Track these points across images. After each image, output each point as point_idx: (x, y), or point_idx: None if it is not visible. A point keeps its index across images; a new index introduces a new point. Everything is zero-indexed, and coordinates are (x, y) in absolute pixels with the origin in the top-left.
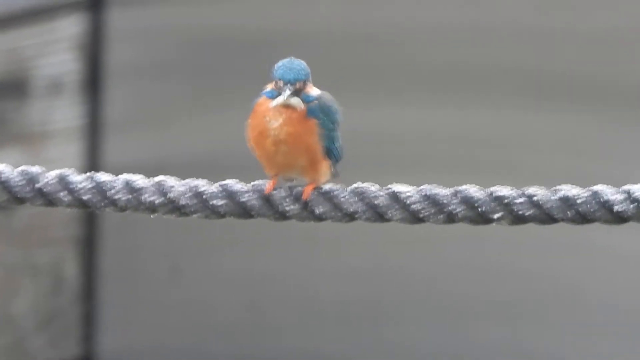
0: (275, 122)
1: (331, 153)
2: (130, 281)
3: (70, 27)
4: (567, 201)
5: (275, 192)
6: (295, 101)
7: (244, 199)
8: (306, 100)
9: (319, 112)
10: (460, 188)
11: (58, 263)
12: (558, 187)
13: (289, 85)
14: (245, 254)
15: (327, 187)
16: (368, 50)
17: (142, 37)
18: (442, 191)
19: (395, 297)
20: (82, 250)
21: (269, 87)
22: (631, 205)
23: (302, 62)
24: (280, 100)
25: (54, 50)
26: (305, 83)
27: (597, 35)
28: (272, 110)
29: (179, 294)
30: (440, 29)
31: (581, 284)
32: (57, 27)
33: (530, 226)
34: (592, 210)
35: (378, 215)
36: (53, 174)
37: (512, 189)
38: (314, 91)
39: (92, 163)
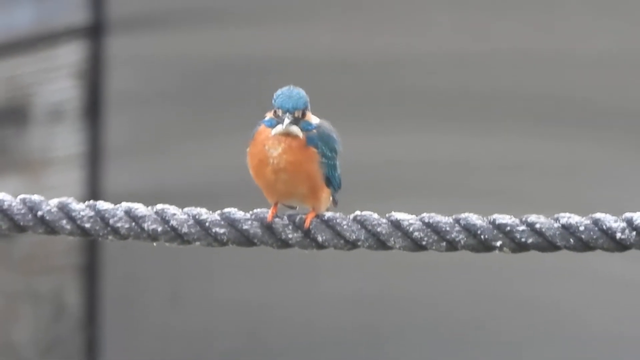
0: (275, 151)
1: (330, 182)
2: (132, 309)
3: (70, 55)
4: (568, 229)
5: (276, 220)
6: (295, 130)
7: (245, 227)
8: (305, 128)
9: (318, 141)
10: (461, 216)
11: (59, 291)
12: (559, 214)
13: (287, 114)
14: (246, 282)
15: (328, 215)
16: (368, 77)
17: (142, 64)
18: (443, 219)
19: (395, 324)
20: (84, 278)
21: (269, 115)
22: (633, 233)
23: (301, 90)
24: (279, 129)
25: (54, 77)
26: (304, 112)
27: (596, 61)
28: (271, 138)
29: (180, 321)
30: (439, 56)
31: (583, 311)
32: (57, 54)
33: (532, 253)
34: (594, 237)
35: (380, 242)
36: (54, 202)
37: (513, 217)
38: (313, 119)
39: (92, 190)
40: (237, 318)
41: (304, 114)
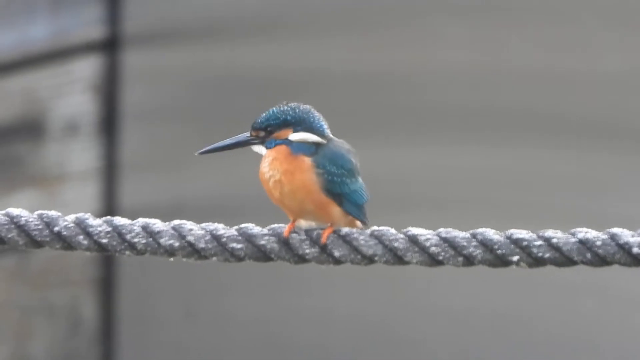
0: (265, 166)
1: (345, 198)
2: (147, 323)
3: (86, 69)
4: (585, 244)
5: (293, 235)
6: (256, 148)
7: (262, 242)
8: (268, 145)
9: (312, 153)
10: (478, 231)
11: (75, 305)
12: (576, 229)
13: (246, 133)
14: (260, 297)
15: (345, 230)
16: (383, 92)
17: (158, 78)
18: (460, 234)
19: (410, 341)
20: (100, 292)
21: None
22: None
23: (277, 109)
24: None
25: (70, 91)
26: (268, 130)
27: (612, 76)
28: (264, 156)
29: (195, 336)
30: (454, 71)
31: (596, 327)
32: (73, 68)
33: (546, 269)
34: (611, 252)
35: (397, 258)
36: (71, 217)
37: (529, 232)
38: (291, 136)
39: (108, 205)
40: (252, 334)
41: (269, 133)
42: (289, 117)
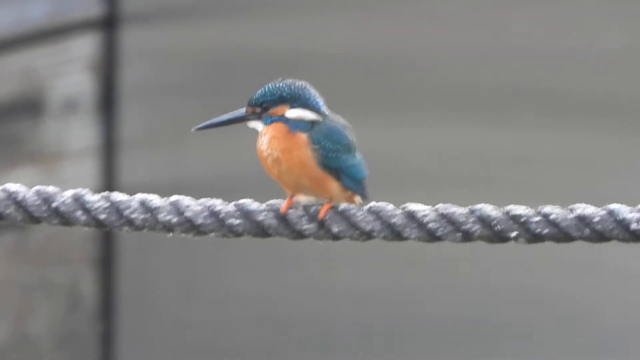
0: (262, 144)
1: (343, 173)
2: (147, 301)
3: (84, 47)
4: (584, 219)
5: (291, 211)
6: (253, 124)
7: (260, 218)
8: (264, 121)
9: (308, 129)
10: (476, 207)
11: (75, 283)
12: (574, 205)
13: (242, 109)
14: (260, 274)
15: (343, 206)
16: (382, 70)
17: (156, 56)
18: (458, 210)
19: (410, 317)
20: (99, 270)
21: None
22: None
23: (273, 85)
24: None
25: (68, 70)
26: (263, 106)
27: (612, 55)
28: (261, 133)
29: (195, 313)
30: (454, 50)
31: (597, 303)
32: (71, 47)
33: (546, 246)
34: (609, 228)
35: (395, 233)
36: (68, 193)
37: (528, 208)
38: (288, 113)
39: (107, 182)
40: (252, 311)
41: (265, 109)
42: (284, 94)
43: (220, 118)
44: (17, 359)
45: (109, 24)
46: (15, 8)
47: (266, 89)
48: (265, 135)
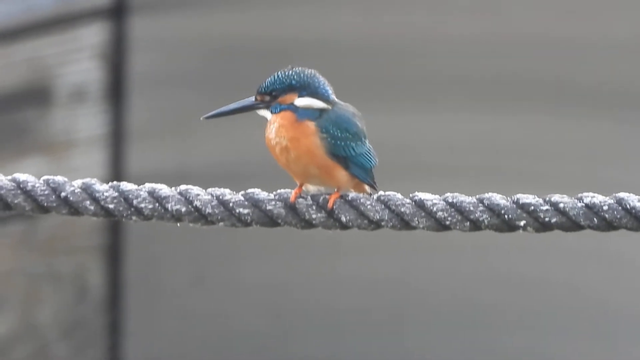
0: (271, 132)
1: (351, 161)
2: (155, 290)
3: (92, 36)
4: (592, 208)
5: (300, 200)
6: (262, 113)
7: (269, 207)
8: (273, 110)
9: (316, 117)
10: (485, 195)
11: (82, 272)
12: (582, 194)
13: (252, 98)
14: (268, 263)
15: (352, 195)
16: (389, 59)
17: (165, 45)
18: (467, 199)
19: (418, 306)
20: (107, 259)
21: None
22: None
23: (282, 73)
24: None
25: (76, 58)
26: (273, 94)
27: (619, 43)
28: (269, 121)
29: (203, 302)
30: (461, 38)
31: (605, 292)
32: (79, 35)
33: (554, 235)
34: (617, 217)
35: (404, 222)
36: (77, 183)
37: (536, 197)
38: (297, 101)
39: (115, 171)
40: (261, 300)
41: (274, 97)
42: (293, 82)
43: (229, 106)
44: (24, 349)
45: (117, 12)
46: None
47: (275, 77)
48: (273, 124)
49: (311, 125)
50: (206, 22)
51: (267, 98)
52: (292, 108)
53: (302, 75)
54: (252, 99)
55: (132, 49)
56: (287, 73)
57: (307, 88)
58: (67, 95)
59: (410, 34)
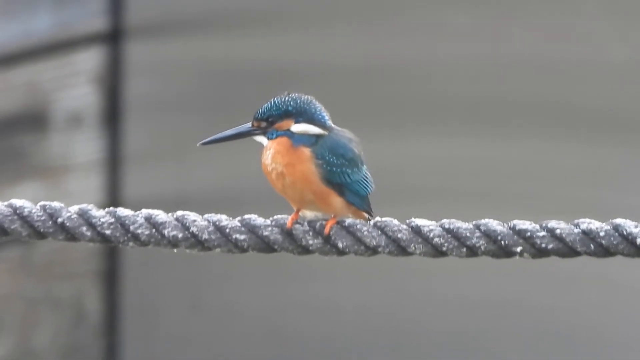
0: (267, 158)
1: (346, 189)
2: (151, 315)
3: (89, 61)
4: (589, 234)
5: (297, 226)
6: (258, 139)
7: (266, 233)
8: (269, 136)
9: (312, 144)
10: (481, 222)
11: (79, 297)
12: (579, 220)
13: (248, 124)
14: (265, 289)
15: (348, 221)
16: (386, 83)
17: (161, 70)
18: (463, 225)
19: (413, 331)
20: (104, 284)
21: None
22: None
23: (280, 99)
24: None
25: (73, 83)
26: (269, 121)
27: (616, 67)
28: (265, 147)
29: (199, 327)
30: (457, 62)
31: (601, 318)
32: (76, 60)
33: (549, 260)
34: (614, 243)
35: (400, 249)
36: (74, 209)
37: (533, 223)
38: (293, 127)
39: (112, 196)
40: (257, 325)
41: (271, 123)
42: (290, 108)
43: (225, 133)
44: None
45: (113, 37)
46: (20, 22)
47: (272, 104)
48: (269, 150)
49: (306, 151)
50: (202, 46)
51: (264, 124)
52: (289, 134)
53: (298, 101)
54: (249, 125)
55: (128, 74)
56: (283, 99)
57: (303, 114)
58: (64, 120)
59: (407, 59)
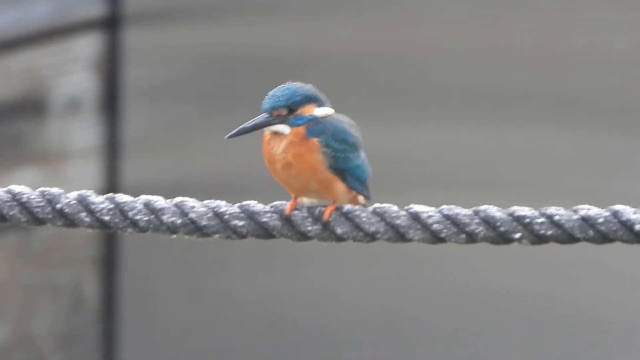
0: (278, 148)
1: (348, 174)
2: (150, 301)
3: (87, 47)
4: (588, 220)
5: (295, 212)
6: (278, 128)
7: (264, 220)
8: (294, 123)
9: (321, 133)
10: (480, 208)
11: (78, 283)
12: (578, 206)
13: (264, 114)
14: (263, 275)
15: (347, 207)
16: (386, 70)
17: (160, 56)
18: (462, 211)
19: (411, 319)
20: (102, 271)
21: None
22: None
23: (294, 86)
24: (267, 128)
25: (71, 69)
26: (290, 108)
27: (615, 55)
28: (273, 137)
29: (198, 313)
30: (457, 50)
31: (599, 306)
32: (74, 46)
33: (548, 247)
34: (613, 229)
35: (399, 235)
36: (73, 195)
37: (532, 209)
38: (316, 111)
39: (111, 183)
40: (255, 311)
41: (291, 110)
42: (309, 93)
43: (247, 125)
44: None
45: (112, 23)
46: (18, 8)
47: (291, 90)
48: (283, 141)
49: (315, 141)
50: (201, 33)
51: (285, 111)
52: (308, 122)
53: (309, 87)
54: (265, 115)
55: (126, 60)
56: (299, 85)
57: (319, 98)
58: (63, 106)
59: (407, 46)
